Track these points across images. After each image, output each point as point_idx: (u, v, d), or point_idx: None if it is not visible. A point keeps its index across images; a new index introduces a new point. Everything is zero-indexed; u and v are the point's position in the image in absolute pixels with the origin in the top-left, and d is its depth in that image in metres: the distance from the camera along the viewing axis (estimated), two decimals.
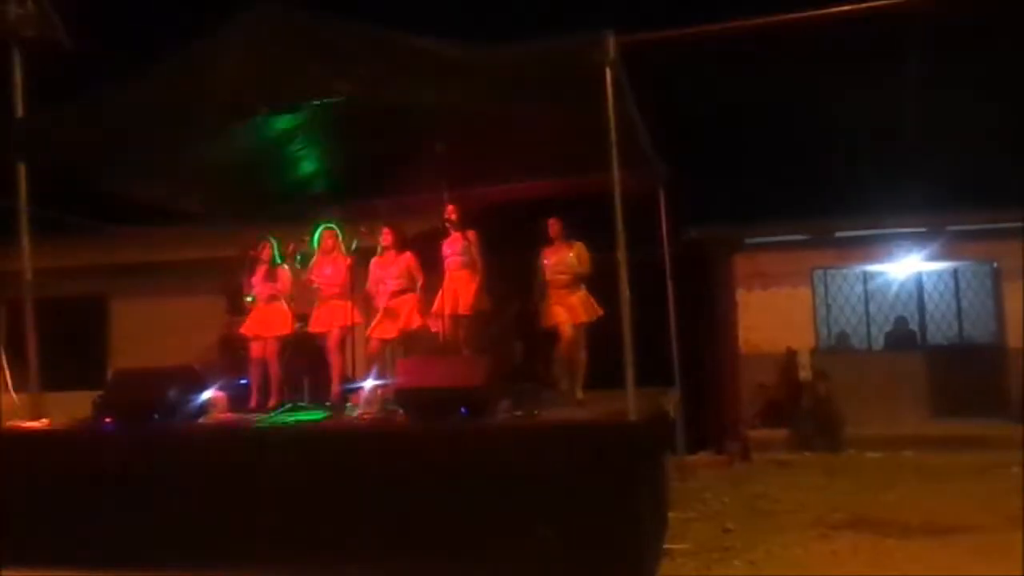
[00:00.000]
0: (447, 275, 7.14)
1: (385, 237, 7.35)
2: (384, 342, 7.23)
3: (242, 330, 7.47)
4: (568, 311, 7.00)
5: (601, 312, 6.98)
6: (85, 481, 5.61)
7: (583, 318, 7.00)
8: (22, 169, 6.86)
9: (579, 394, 6.90)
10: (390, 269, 7.27)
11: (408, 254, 7.30)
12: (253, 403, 7.20)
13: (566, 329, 7.01)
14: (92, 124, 6.24)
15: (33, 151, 6.57)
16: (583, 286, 7.11)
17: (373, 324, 7.27)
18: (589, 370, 7.06)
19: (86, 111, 6.23)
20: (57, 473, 5.72)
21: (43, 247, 7.84)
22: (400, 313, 7.17)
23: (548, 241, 7.21)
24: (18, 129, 6.82)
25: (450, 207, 7.29)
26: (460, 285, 7.07)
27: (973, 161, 10.61)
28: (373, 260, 7.39)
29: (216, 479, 5.44)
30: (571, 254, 7.12)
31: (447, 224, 7.19)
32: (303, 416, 6.45)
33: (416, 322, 7.20)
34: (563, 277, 7.08)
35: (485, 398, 5.53)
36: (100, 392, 6.31)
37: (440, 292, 7.14)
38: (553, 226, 7.18)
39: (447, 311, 7.06)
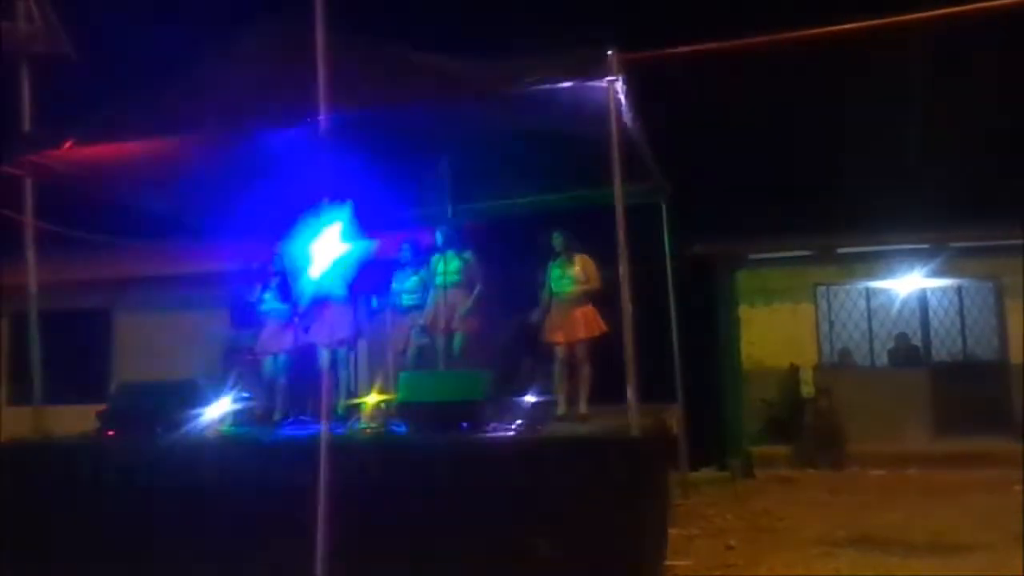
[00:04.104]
0: (445, 292, 7.14)
1: (405, 251, 7.48)
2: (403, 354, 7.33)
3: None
4: (567, 328, 6.86)
5: (605, 329, 6.77)
6: (89, 493, 5.62)
7: (581, 335, 6.81)
8: (28, 183, 6.92)
9: (583, 409, 6.79)
10: (412, 281, 7.38)
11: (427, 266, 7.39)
12: (264, 416, 7.22)
13: (561, 347, 6.90)
14: (98, 138, 6.30)
15: (39, 165, 6.66)
16: (589, 301, 6.91)
17: (394, 336, 7.38)
18: (593, 385, 6.94)
19: (92, 125, 6.29)
20: (60, 485, 5.73)
21: (48, 260, 7.88)
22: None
23: (553, 255, 7.09)
24: (25, 143, 6.90)
25: (448, 224, 7.38)
26: (457, 302, 7.09)
27: (977, 178, 10.62)
28: (396, 273, 7.49)
29: (219, 491, 5.43)
30: (576, 268, 6.95)
31: (445, 240, 7.24)
32: (307, 429, 6.45)
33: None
34: (567, 292, 6.94)
35: (486, 413, 5.54)
36: (104, 405, 6.32)
37: (435, 308, 7.18)
38: (556, 239, 7.05)
39: (443, 327, 7.08)
